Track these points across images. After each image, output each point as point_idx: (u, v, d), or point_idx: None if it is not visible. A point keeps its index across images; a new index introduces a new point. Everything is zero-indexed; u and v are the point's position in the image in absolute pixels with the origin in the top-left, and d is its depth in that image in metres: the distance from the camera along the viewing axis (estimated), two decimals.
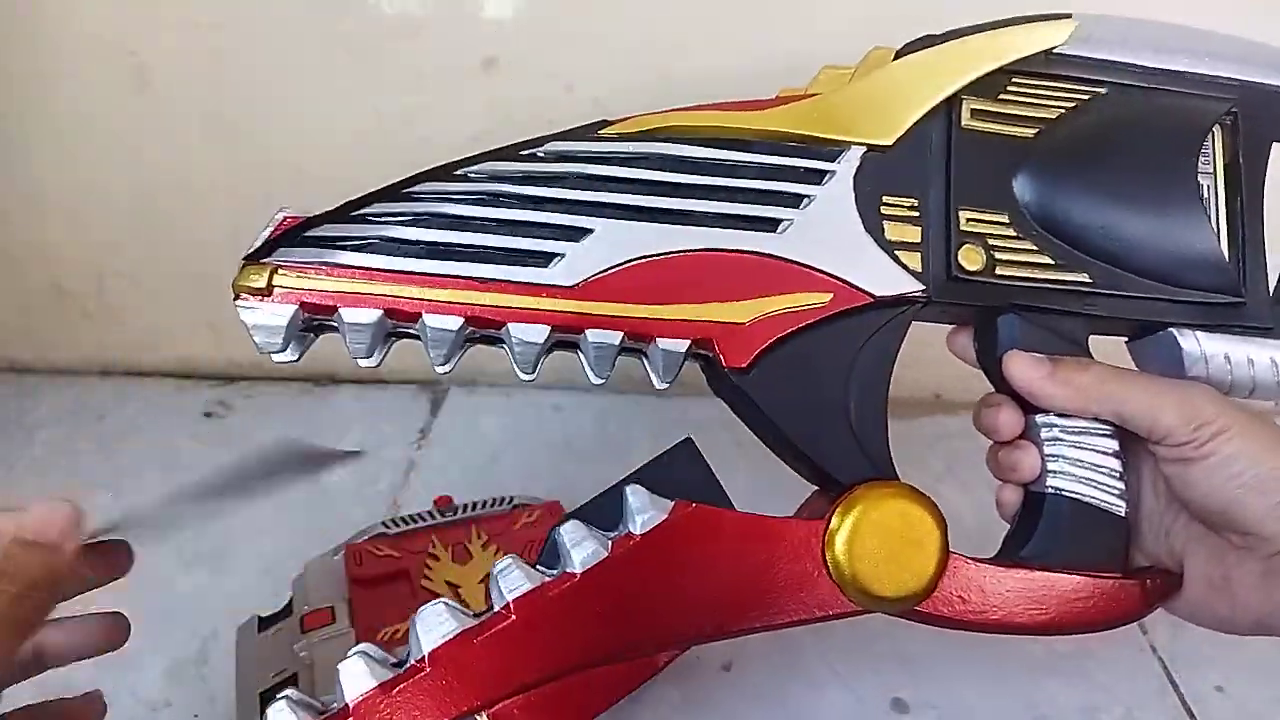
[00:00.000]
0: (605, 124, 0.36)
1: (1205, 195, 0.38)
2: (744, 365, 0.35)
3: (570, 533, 0.34)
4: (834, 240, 0.35)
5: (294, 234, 0.33)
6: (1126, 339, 0.40)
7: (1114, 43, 0.38)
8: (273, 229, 0.33)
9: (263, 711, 0.32)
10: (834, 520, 0.35)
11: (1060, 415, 0.38)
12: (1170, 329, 0.38)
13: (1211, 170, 0.38)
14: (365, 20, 0.61)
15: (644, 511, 0.34)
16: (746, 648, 0.50)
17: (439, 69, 0.62)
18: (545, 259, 0.34)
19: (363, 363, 0.33)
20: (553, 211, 0.34)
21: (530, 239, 0.34)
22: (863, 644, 0.51)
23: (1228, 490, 0.35)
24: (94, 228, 0.68)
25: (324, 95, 0.63)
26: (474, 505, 0.53)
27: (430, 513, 0.53)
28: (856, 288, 0.35)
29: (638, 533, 0.33)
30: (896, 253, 0.36)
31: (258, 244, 0.33)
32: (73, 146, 0.65)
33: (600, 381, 0.35)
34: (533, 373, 0.34)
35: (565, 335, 0.34)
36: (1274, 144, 0.39)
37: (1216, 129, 0.38)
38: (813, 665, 0.50)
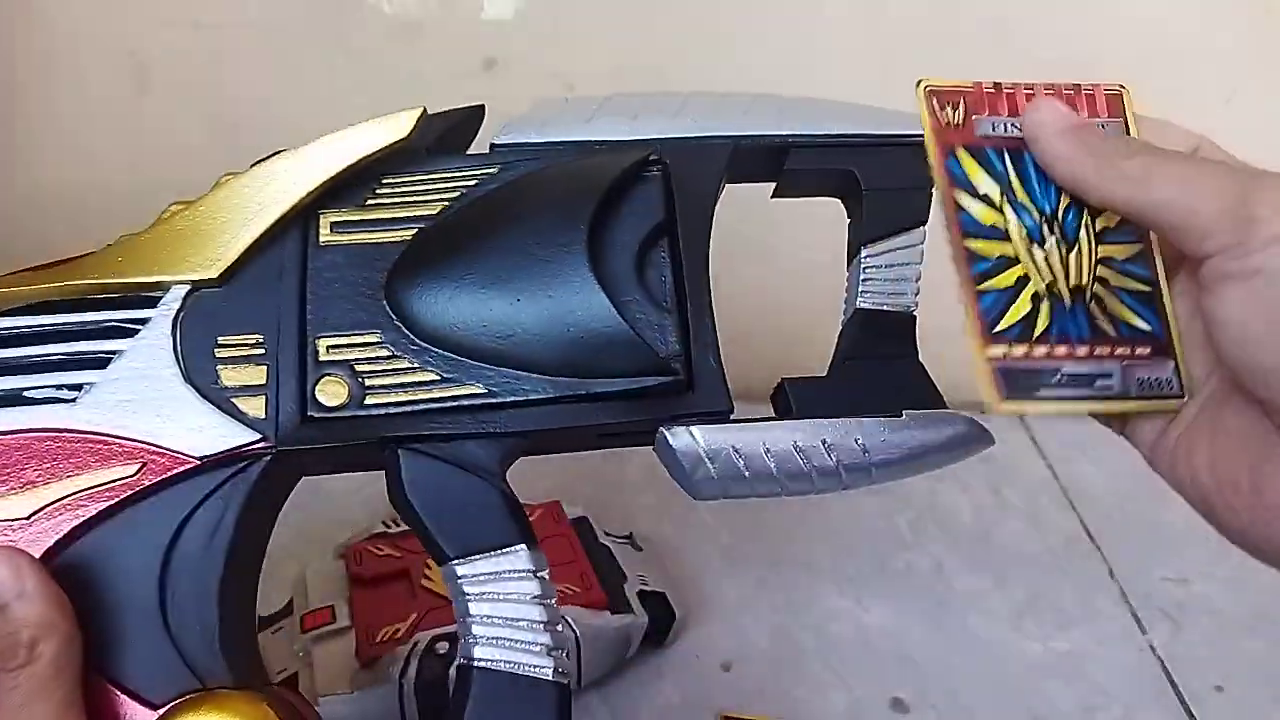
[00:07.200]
0: None
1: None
2: None
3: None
4: (144, 399, 0.30)
5: None
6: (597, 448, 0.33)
7: (523, 127, 0.34)
8: None
9: None
10: None
11: (478, 558, 0.30)
12: (660, 430, 0.31)
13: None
14: (365, 21, 0.61)
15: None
16: (746, 648, 0.51)
17: (439, 69, 0.62)
18: None
19: None
20: None
21: None
22: (863, 643, 0.51)
23: (1269, 332, 0.24)
24: (94, 228, 0.68)
25: (324, 96, 0.63)
26: None
27: None
28: (173, 451, 0.30)
29: None
30: (234, 400, 0.30)
31: None
32: (73, 146, 0.65)
33: None
34: None
35: None
36: (713, 197, 0.34)
37: (645, 184, 0.33)
38: (813, 665, 0.50)
